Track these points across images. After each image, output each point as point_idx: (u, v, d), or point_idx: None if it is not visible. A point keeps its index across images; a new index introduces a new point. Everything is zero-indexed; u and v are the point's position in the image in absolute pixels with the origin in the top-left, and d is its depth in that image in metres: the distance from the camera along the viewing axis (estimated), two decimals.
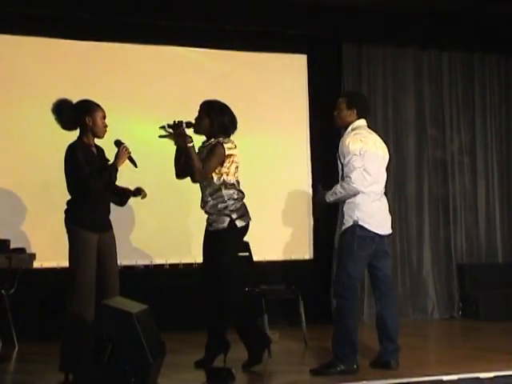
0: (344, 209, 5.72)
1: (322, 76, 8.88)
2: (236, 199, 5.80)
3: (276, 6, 8.21)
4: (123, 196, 5.85)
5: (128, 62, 8.06)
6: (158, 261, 8.00)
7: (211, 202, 5.79)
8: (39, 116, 7.62)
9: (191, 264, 8.03)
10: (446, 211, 9.12)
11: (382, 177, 5.80)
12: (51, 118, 7.56)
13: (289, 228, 8.59)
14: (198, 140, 5.94)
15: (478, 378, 5.39)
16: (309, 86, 8.83)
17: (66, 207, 5.66)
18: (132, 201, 5.93)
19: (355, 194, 5.58)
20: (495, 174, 9.29)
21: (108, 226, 5.70)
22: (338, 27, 8.61)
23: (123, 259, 7.68)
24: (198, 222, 8.07)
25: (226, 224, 5.72)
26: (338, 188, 5.64)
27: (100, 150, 5.77)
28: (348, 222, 5.65)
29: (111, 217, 5.76)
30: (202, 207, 5.87)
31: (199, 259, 7.92)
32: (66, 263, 7.59)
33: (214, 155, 5.73)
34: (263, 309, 6.78)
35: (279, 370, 5.93)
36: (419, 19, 8.65)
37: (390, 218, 5.88)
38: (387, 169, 5.94)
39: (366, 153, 5.61)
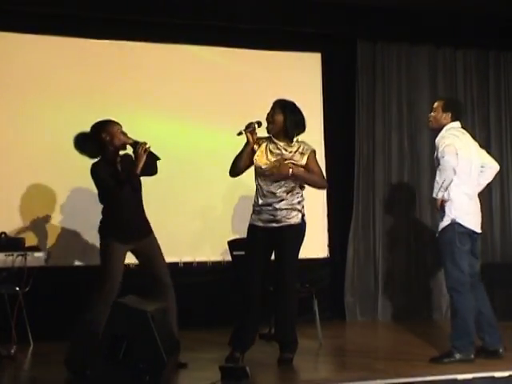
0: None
1: (337, 74, 8.87)
2: (304, 198, 6.10)
3: (290, 4, 8.19)
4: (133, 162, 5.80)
5: (140, 61, 8.04)
6: (172, 259, 7.99)
7: (289, 198, 5.99)
8: (55, 116, 7.67)
9: (205, 262, 8.04)
10: None
11: (474, 179, 6.09)
12: (67, 120, 7.64)
13: None
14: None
15: (492, 377, 5.38)
16: (323, 85, 8.81)
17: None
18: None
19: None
20: (510, 171, 9.23)
21: (141, 235, 5.83)
22: (352, 25, 8.58)
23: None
24: (211, 221, 8.17)
25: (299, 219, 5.99)
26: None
27: (126, 161, 5.84)
28: (447, 221, 5.97)
29: None
30: (271, 203, 5.96)
31: (213, 258, 8.03)
32: (80, 262, 7.71)
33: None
34: None
35: (293, 369, 5.93)
36: (434, 17, 8.61)
37: (480, 218, 6.18)
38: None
39: (459, 153, 5.93)
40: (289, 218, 5.96)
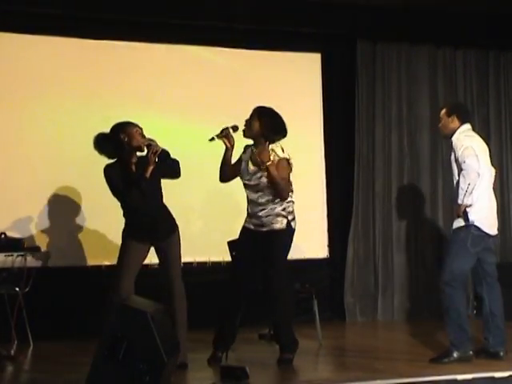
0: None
1: (337, 74, 8.87)
2: (292, 202, 6.13)
3: (290, 4, 8.18)
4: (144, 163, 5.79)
5: (140, 61, 8.03)
6: None
7: (271, 206, 6.03)
8: (55, 116, 7.66)
9: (205, 262, 8.04)
10: None
11: (492, 179, 6.22)
12: (67, 120, 7.61)
13: (303, 227, 8.51)
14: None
15: (492, 378, 5.38)
16: (323, 85, 8.81)
17: None
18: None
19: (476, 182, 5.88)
20: (510, 171, 9.23)
21: (160, 237, 5.90)
22: (352, 25, 8.58)
23: None
24: (211, 221, 8.16)
25: (284, 225, 6.02)
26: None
27: (143, 162, 5.80)
28: (464, 221, 5.98)
29: None
30: (255, 212, 6.05)
31: (213, 258, 8.02)
32: (80, 263, 7.67)
33: (288, 172, 6.08)
34: None
35: (293, 369, 5.93)
36: (434, 17, 8.61)
37: (496, 219, 6.23)
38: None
39: (478, 154, 5.95)
40: (273, 224, 6.02)
